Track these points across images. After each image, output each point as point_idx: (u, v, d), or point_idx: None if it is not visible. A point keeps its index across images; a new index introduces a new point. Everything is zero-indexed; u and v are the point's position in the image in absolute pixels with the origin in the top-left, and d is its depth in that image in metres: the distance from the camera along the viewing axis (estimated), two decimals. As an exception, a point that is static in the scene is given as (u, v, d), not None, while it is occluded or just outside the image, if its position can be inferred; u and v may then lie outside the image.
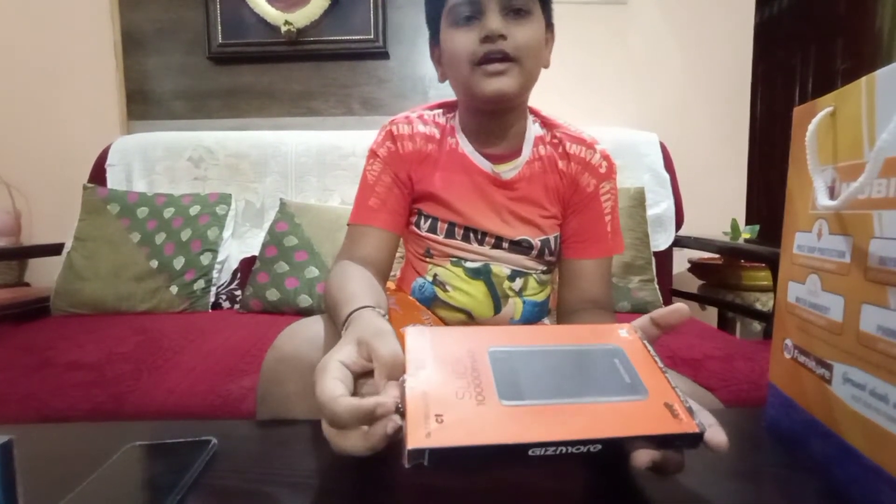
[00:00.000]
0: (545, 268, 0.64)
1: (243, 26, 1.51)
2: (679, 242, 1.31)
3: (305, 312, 1.11)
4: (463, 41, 0.53)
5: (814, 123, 0.34)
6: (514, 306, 0.63)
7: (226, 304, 1.24)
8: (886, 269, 0.27)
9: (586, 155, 0.61)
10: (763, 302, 1.30)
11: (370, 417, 0.27)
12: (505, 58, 0.52)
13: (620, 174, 1.29)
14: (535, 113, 0.64)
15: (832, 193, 0.33)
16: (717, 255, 1.38)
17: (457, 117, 0.64)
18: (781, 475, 0.34)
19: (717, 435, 0.26)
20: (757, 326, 1.39)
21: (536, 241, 0.61)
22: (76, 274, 1.16)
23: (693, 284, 1.48)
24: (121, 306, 1.14)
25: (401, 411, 0.27)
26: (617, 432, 0.25)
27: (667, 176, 1.31)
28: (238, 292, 1.24)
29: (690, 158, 1.44)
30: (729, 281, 1.36)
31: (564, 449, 0.25)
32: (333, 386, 0.29)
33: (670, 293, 1.30)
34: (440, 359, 0.29)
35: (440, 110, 0.65)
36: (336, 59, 1.53)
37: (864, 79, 0.29)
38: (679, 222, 1.32)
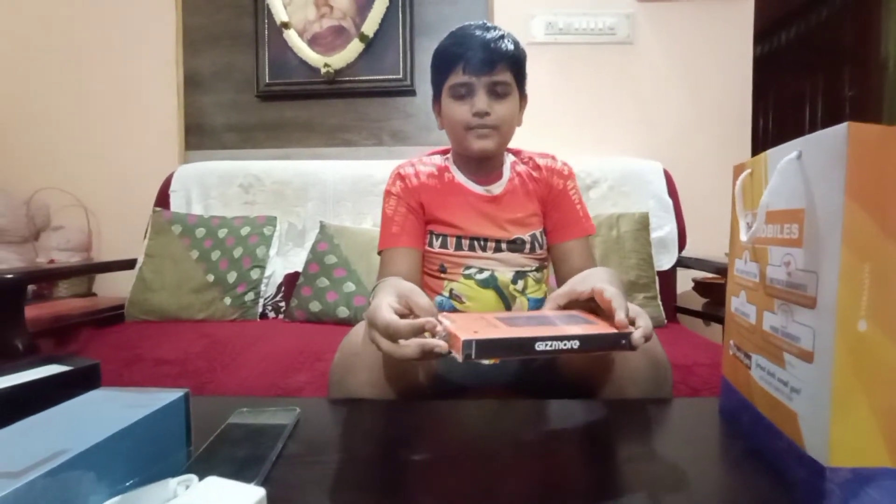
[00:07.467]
0: (538, 265, 0.80)
1: (287, 68, 1.71)
2: (682, 263, 1.41)
3: (344, 322, 1.25)
4: (459, 112, 0.74)
5: (740, 180, 0.47)
6: (521, 304, 0.78)
7: (271, 314, 1.39)
8: (773, 287, 0.39)
9: (552, 164, 0.82)
10: (764, 319, 1.38)
11: (421, 330, 0.45)
12: (488, 127, 0.73)
13: (626, 200, 1.43)
14: (508, 149, 0.83)
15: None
16: (718, 275, 1.47)
17: (450, 158, 0.83)
18: (723, 443, 0.46)
19: (637, 335, 0.44)
20: (760, 343, 1.46)
21: (527, 237, 0.78)
22: (146, 286, 1.34)
23: (698, 302, 1.56)
24: (182, 314, 1.31)
25: (444, 336, 0.44)
26: (587, 331, 0.44)
27: (670, 201, 1.42)
28: (282, 304, 1.39)
29: (694, 184, 1.55)
30: (732, 299, 1.44)
31: (556, 344, 0.42)
32: (393, 314, 0.47)
33: (674, 310, 1.39)
34: (462, 318, 0.49)
35: (435, 156, 0.85)
36: (369, 97, 1.72)
37: (764, 153, 0.42)
38: (682, 244, 1.43)
